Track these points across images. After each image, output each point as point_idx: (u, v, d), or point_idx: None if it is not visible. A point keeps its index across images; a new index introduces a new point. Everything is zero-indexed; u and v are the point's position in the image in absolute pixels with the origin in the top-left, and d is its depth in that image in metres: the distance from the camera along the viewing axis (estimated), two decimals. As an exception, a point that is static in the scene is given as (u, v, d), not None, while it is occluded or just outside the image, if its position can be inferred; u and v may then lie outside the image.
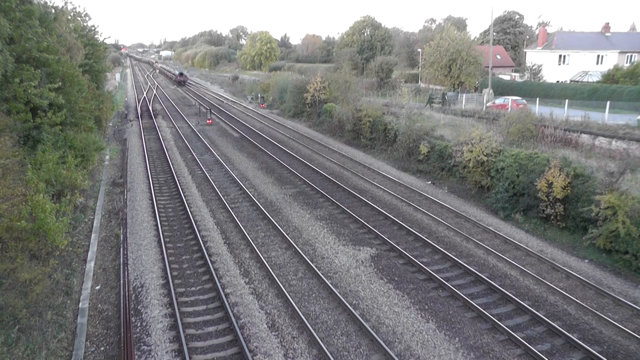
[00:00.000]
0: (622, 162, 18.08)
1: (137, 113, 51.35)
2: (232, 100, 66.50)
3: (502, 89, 47.04)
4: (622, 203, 15.57)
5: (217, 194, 23.40)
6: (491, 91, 41.52)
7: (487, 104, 36.19)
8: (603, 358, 11.21)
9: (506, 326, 12.50)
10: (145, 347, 11.65)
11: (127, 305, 13.07)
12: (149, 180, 25.65)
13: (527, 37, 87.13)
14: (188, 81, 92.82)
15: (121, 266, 15.72)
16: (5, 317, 10.94)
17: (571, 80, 54.79)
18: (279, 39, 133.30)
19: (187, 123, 46.42)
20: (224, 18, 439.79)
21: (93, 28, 37.21)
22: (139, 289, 14.37)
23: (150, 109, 54.72)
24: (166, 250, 16.84)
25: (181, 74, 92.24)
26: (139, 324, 12.58)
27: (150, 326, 12.49)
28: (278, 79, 59.64)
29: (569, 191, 18.24)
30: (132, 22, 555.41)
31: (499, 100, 35.78)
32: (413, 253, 17.02)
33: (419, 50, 65.79)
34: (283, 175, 27.56)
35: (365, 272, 15.72)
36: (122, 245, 17.31)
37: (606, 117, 25.99)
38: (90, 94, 28.05)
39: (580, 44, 59.90)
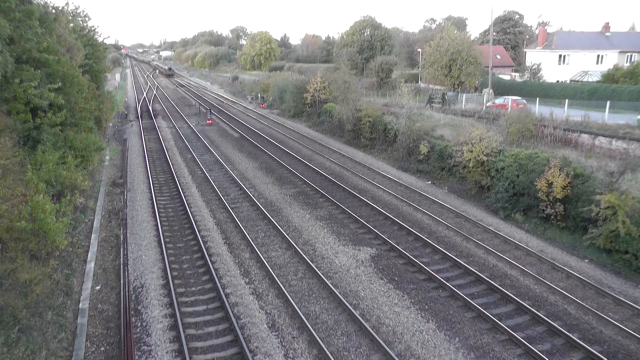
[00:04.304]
0: (622, 162, 18.05)
1: (137, 113, 51.34)
2: (232, 101, 66.51)
3: (502, 88, 46.97)
4: (622, 203, 15.56)
5: (217, 194, 23.40)
6: (491, 91, 41.48)
7: (487, 104, 36.14)
8: (603, 358, 11.21)
9: (506, 326, 12.50)
10: (146, 347, 11.65)
11: (127, 306, 13.08)
12: (149, 180, 25.65)
13: (527, 37, 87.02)
14: (175, 74, 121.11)
15: (121, 266, 15.73)
16: (6, 318, 10.94)
17: (571, 80, 54.75)
18: (279, 39, 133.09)
19: (187, 123, 46.42)
20: (224, 18, 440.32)
21: (93, 28, 37.18)
22: (139, 289, 14.38)
23: (150, 109, 54.75)
24: (166, 251, 16.85)
25: (170, 69, 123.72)
26: (139, 324, 12.58)
27: (150, 326, 12.50)
28: (278, 79, 59.61)
29: (569, 191, 18.24)
30: (132, 22, 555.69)
31: (499, 100, 35.73)
32: (413, 253, 17.02)
33: (419, 50, 65.72)
34: (283, 175, 27.56)
35: (366, 272, 15.72)
36: (122, 246, 17.32)
37: (606, 117, 25.95)
38: (90, 94, 28.03)
39: (580, 44, 59.86)
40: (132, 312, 13.06)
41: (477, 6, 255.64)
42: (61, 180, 17.88)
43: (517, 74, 63.68)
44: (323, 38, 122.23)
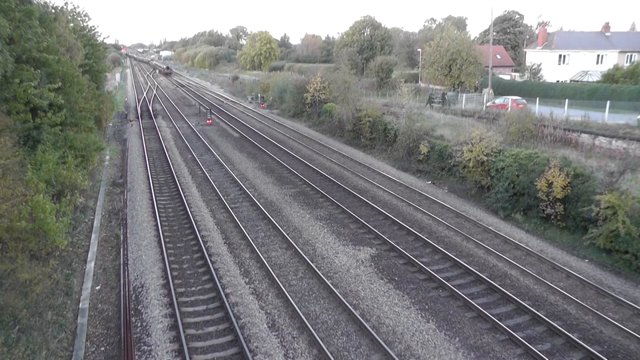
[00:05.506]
0: (622, 162, 18.06)
1: (137, 113, 51.34)
2: (232, 101, 66.50)
3: (502, 88, 46.97)
4: (622, 203, 15.57)
5: (217, 194, 23.39)
6: (491, 91, 41.48)
7: (487, 104, 36.13)
8: (603, 358, 11.21)
9: (506, 326, 12.50)
10: (146, 347, 11.65)
11: (127, 306, 13.08)
12: (149, 180, 25.64)
13: (527, 36, 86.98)
14: (173, 72, 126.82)
15: (121, 266, 15.73)
16: (6, 318, 10.94)
17: (571, 80, 54.74)
18: (279, 39, 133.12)
19: (187, 123, 46.42)
20: (224, 18, 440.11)
21: (93, 28, 37.14)
22: (139, 289, 14.37)
23: (150, 109, 54.74)
24: (166, 251, 16.84)
25: (167, 67, 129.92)
26: (139, 324, 12.58)
27: (150, 326, 12.49)
28: (278, 79, 59.61)
29: (569, 191, 18.24)
30: (132, 22, 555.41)
31: (499, 100, 35.72)
32: (413, 253, 17.02)
33: (419, 50, 65.71)
34: (283, 175, 27.56)
35: (366, 272, 15.72)
36: (122, 246, 17.31)
37: (606, 116, 25.95)
38: (90, 94, 28.00)
39: (580, 44, 59.85)
40: (132, 312, 13.06)
41: (477, 6, 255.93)
42: (61, 180, 17.88)
43: (517, 74, 63.67)
44: (323, 38, 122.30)
